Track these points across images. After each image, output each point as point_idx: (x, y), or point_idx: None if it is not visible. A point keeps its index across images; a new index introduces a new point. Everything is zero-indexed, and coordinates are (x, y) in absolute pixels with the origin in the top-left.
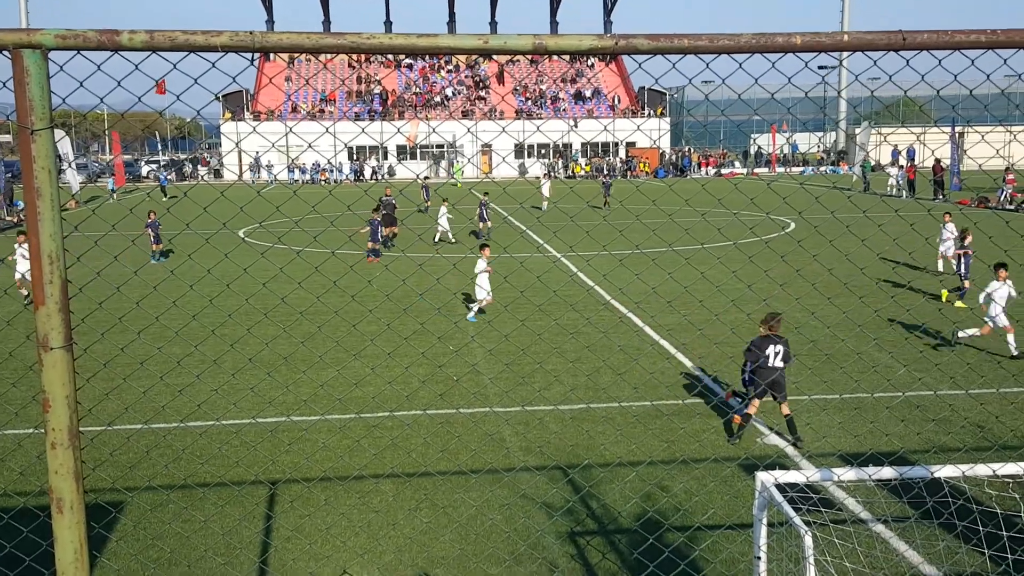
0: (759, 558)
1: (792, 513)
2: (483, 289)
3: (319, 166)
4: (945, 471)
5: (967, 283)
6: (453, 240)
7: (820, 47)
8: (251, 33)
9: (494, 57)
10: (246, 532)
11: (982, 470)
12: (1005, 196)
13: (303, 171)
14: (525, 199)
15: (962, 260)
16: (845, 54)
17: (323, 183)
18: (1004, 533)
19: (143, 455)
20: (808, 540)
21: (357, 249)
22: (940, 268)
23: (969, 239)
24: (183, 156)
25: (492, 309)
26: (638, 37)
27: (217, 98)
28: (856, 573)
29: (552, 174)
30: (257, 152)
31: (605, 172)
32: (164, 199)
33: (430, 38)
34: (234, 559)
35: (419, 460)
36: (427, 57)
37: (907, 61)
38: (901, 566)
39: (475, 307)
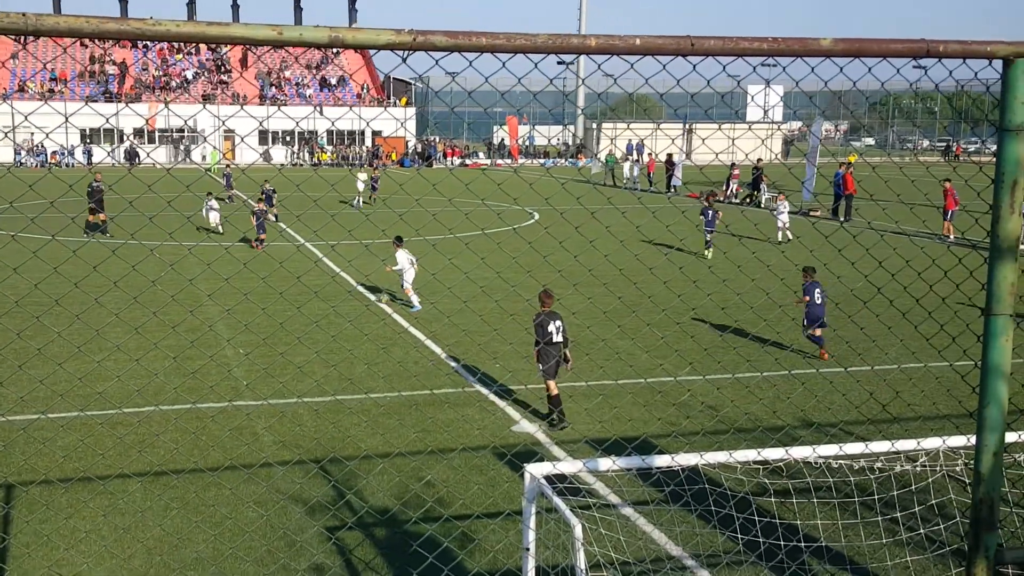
0: (528, 550)
1: (562, 505)
2: (407, 280)
3: (41, 148)
4: (710, 457)
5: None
6: (221, 231)
7: (613, 49)
8: (24, 15)
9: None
10: None
11: (741, 455)
12: (731, 190)
13: (38, 155)
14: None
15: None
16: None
17: (53, 167)
18: (757, 518)
19: None
20: (578, 531)
21: (76, 236)
22: (780, 238)
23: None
24: None
25: (233, 297)
26: (436, 34)
27: None
28: (603, 556)
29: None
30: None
31: (378, 166)
32: None
33: (221, 27)
34: None
35: (167, 458)
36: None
37: (694, 67)
38: (650, 548)
39: (414, 298)
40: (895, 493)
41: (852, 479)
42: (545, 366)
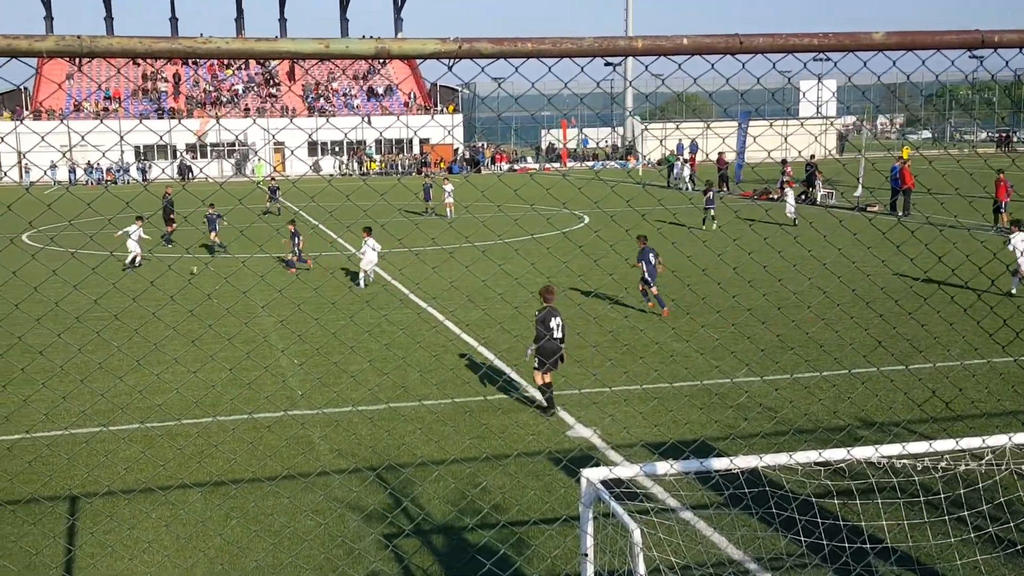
0: (586, 555)
1: (620, 510)
2: (370, 263)
3: (96, 166)
4: (770, 459)
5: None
6: (137, 264)
7: (660, 50)
8: (79, 37)
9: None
10: (48, 552)
11: (802, 457)
12: (786, 189)
13: (92, 172)
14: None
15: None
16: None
17: (109, 184)
18: (820, 521)
19: None
20: (637, 536)
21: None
22: (788, 213)
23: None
24: None
25: (287, 308)
26: (481, 41)
27: None
28: (663, 561)
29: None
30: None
31: (428, 174)
32: None
33: (269, 42)
34: None
35: (226, 468)
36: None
37: (743, 65)
38: (710, 552)
39: (362, 277)
40: (961, 492)
41: (916, 479)
42: (546, 359)
